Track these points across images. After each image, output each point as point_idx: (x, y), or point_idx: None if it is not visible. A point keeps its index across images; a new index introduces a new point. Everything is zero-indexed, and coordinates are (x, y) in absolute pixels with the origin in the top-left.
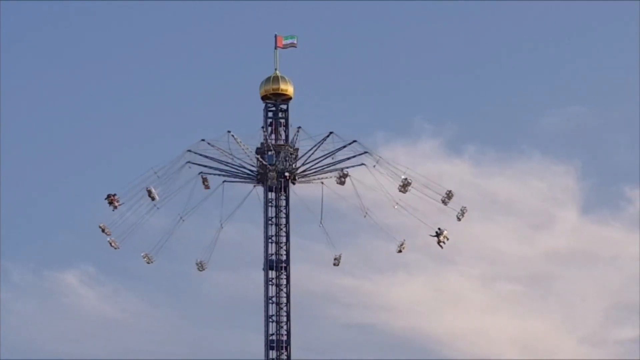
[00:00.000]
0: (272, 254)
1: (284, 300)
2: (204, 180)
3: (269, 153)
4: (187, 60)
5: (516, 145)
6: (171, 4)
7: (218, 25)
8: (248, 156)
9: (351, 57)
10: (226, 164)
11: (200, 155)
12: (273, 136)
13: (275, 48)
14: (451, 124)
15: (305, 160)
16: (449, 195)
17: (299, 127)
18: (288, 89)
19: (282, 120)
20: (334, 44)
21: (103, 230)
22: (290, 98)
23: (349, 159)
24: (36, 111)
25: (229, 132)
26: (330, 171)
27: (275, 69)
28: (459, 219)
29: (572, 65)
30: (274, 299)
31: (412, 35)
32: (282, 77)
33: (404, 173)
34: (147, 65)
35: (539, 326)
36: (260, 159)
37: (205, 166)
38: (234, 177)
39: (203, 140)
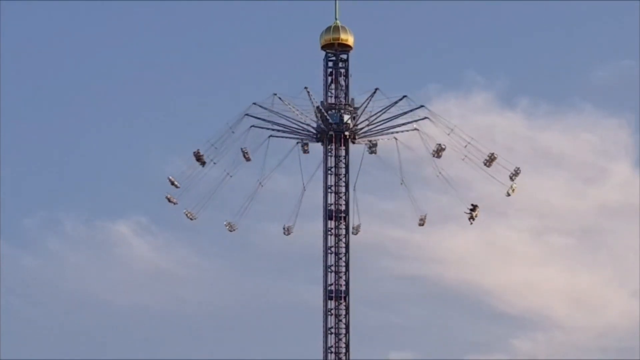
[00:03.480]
0: (331, 204)
1: (343, 250)
2: (245, 153)
3: (330, 112)
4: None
5: (568, 98)
6: None
7: None
8: (305, 115)
9: (401, 10)
10: (284, 126)
11: (260, 119)
12: (333, 86)
13: None
14: (503, 77)
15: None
16: (492, 157)
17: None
18: (348, 38)
19: (342, 70)
20: None
21: (172, 183)
22: (351, 48)
23: (405, 113)
24: (101, 66)
25: (274, 94)
26: (394, 126)
27: (336, 19)
28: (511, 179)
29: (624, 18)
30: (332, 249)
31: None
32: (343, 27)
33: (451, 130)
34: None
35: (589, 279)
36: (324, 117)
37: (270, 129)
38: (299, 137)
39: (255, 103)
